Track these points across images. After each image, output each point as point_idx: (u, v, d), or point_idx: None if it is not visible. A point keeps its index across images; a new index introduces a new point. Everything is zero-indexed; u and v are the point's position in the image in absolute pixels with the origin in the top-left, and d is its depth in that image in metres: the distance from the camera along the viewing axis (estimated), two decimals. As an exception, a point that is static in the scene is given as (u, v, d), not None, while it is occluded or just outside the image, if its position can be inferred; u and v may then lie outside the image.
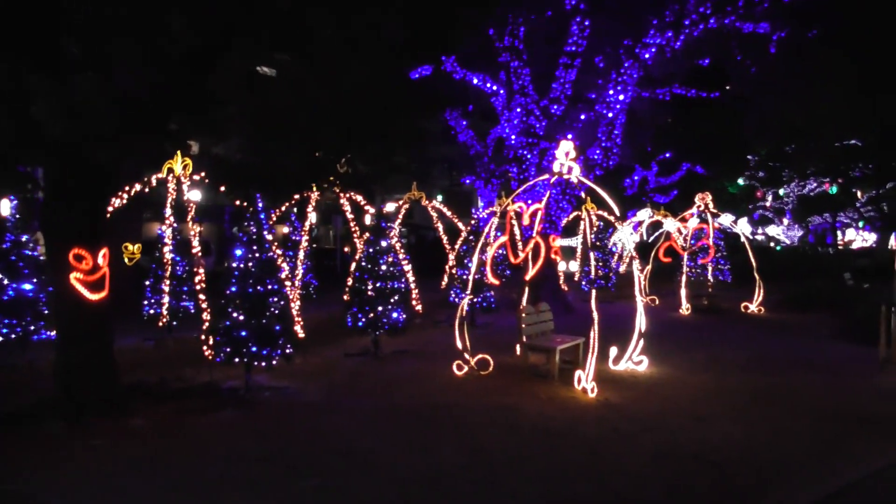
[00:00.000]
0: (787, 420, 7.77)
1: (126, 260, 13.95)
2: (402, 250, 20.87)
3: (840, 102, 25.74)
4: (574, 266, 25.57)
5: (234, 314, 8.23)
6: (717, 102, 30.21)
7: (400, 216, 17.92)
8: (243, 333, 8.21)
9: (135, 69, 5.51)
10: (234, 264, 8.38)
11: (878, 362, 10.70)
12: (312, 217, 14.64)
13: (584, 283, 20.88)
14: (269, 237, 9.91)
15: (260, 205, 8.49)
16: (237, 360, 8.24)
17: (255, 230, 8.41)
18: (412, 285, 14.10)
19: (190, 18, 5.41)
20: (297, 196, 13.79)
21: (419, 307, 13.99)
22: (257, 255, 8.39)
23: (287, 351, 8.58)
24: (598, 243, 20.75)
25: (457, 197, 45.26)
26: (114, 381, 7.80)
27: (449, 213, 17.04)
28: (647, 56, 14.88)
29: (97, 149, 5.87)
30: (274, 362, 8.43)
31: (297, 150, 16.71)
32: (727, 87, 23.41)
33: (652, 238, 27.64)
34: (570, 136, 16.58)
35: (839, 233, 49.88)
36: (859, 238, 55.01)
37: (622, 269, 24.86)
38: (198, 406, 7.93)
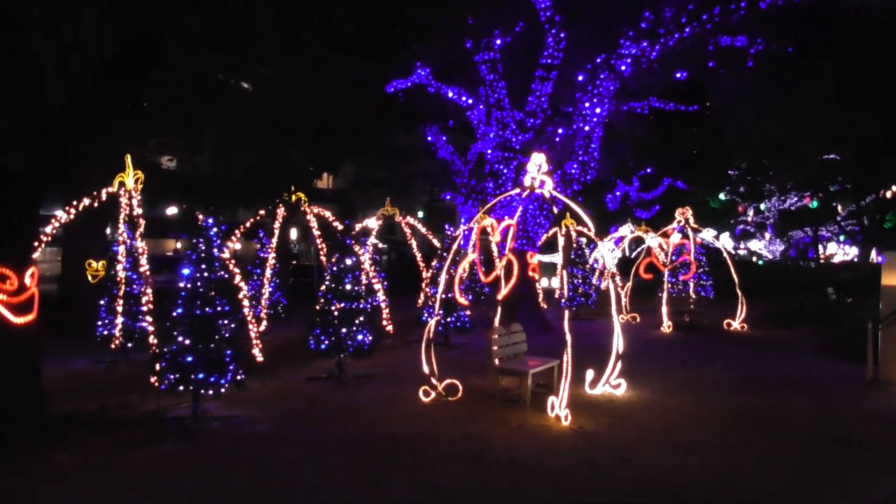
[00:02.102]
0: (772, 446, 7.28)
1: (90, 277, 13.27)
2: (375, 268, 20.33)
3: (818, 116, 25.63)
4: (556, 282, 25.10)
5: (180, 338, 7.63)
6: (696, 117, 30.12)
7: (374, 232, 17.40)
8: (189, 359, 7.60)
9: (49, 71, 4.96)
10: (181, 284, 7.80)
11: (865, 381, 10.28)
12: (293, 233, 14.05)
13: (563, 300, 20.38)
14: (226, 254, 9.35)
15: (210, 220, 7.92)
16: (181, 388, 7.62)
17: (203, 247, 7.83)
18: (383, 304, 13.53)
19: (108, 13, 4.87)
20: (262, 211, 13.21)
21: (390, 327, 13.41)
22: (206, 273, 7.80)
23: (238, 377, 7.98)
24: (577, 259, 20.28)
25: (438, 213, 44.91)
26: (42, 412, 7.14)
27: (424, 230, 16.53)
28: (622, 68, 14.54)
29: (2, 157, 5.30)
30: (222, 390, 7.82)
31: (239, 161, 15.99)
32: (707, 103, 23.22)
33: (634, 254, 27.32)
34: (544, 150, 16.25)
35: (821, 247, 49.94)
36: (840, 252, 55.23)
37: (603, 285, 24.45)
38: (136, 438, 7.28)
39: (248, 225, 12.71)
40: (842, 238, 46.67)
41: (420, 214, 46.17)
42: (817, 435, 7.69)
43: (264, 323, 14.41)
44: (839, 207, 41.58)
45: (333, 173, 23.89)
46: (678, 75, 16.65)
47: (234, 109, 13.95)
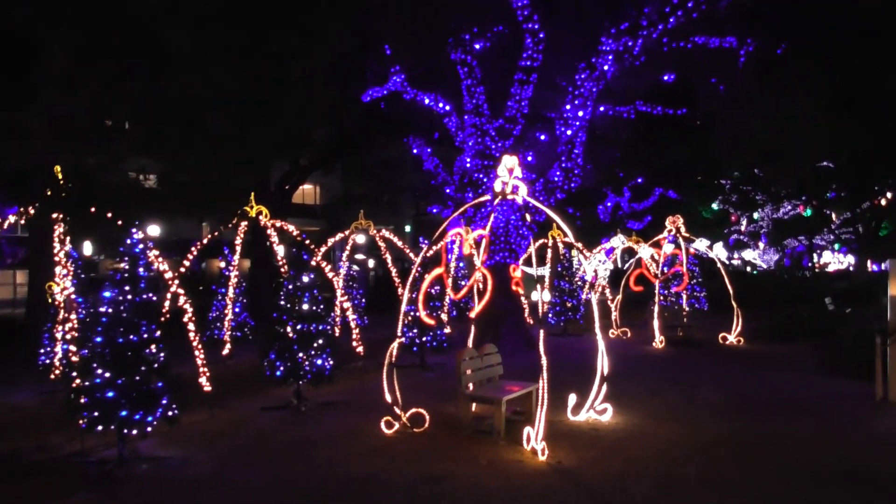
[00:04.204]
0: (775, 484, 6.37)
1: (49, 300, 12.31)
2: (354, 284, 19.41)
3: (811, 121, 24.95)
4: (546, 296, 24.23)
5: (99, 370, 6.68)
6: (687, 125, 29.40)
7: (347, 248, 16.52)
8: (110, 394, 6.65)
9: None
10: (102, 309, 6.85)
11: (874, 402, 9.41)
12: (280, 251, 12.97)
13: (550, 314, 19.50)
14: (169, 273, 8.46)
15: (136, 235, 7.01)
16: (100, 427, 6.66)
17: (127, 266, 6.91)
18: (353, 324, 12.59)
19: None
20: (222, 225, 12.30)
21: (360, 348, 12.45)
22: (129, 296, 6.87)
23: (171, 413, 7.03)
24: (563, 272, 19.40)
25: (426, 226, 44.01)
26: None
27: (400, 243, 15.62)
28: (605, 67, 13.74)
29: None
30: (148, 429, 6.86)
31: (143, 167, 14.34)
32: (696, 109, 22.51)
33: (627, 265, 26.53)
34: (529, 157, 15.43)
35: (815, 255, 49.25)
36: (835, 261, 54.55)
37: (594, 298, 23.56)
38: (44, 488, 6.32)
39: (205, 241, 11.78)
40: (836, 246, 45.96)
41: (407, 229, 45.33)
42: (825, 468, 6.77)
43: (227, 346, 13.51)
44: (833, 215, 40.87)
45: (255, 180, 20.96)
46: (665, 77, 15.90)
47: (124, 103, 12.40)
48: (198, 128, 14.91)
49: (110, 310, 6.79)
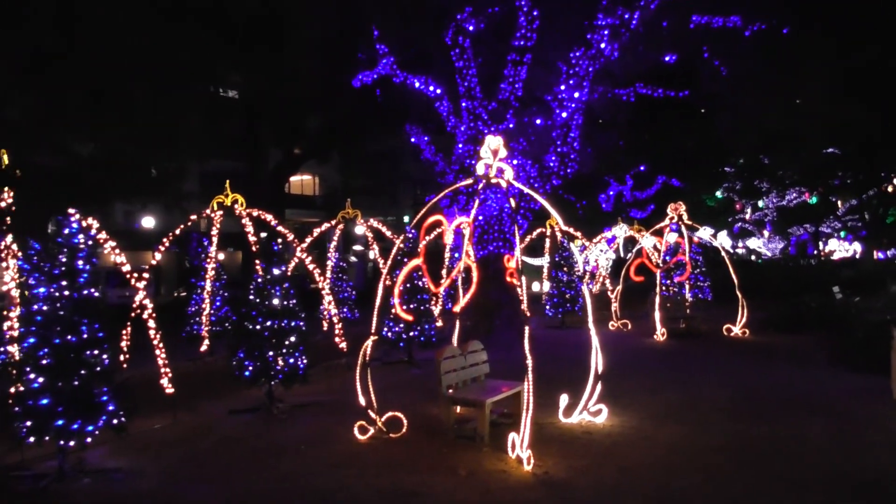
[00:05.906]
0: (787, 496, 5.69)
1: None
2: (342, 276, 18.75)
3: (817, 105, 24.13)
4: (546, 287, 23.56)
5: (32, 375, 6.01)
6: (690, 112, 28.57)
7: (335, 238, 15.83)
8: (44, 401, 5.98)
9: None
10: (35, 307, 6.17)
11: (891, 400, 8.71)
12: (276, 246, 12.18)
13: (548, 306, 18.82)
14: (127, 267, 7.79)
15: (74, 222, 6.31)
16: (32, 438, 6.00)
17: (64, 258, 6.22)
18: (336, 319, 11.90)
19: None
20: (193, 216, 11.61)
21: (343, 344, 11.76)
22: (67, 292, 6.18)
23: (116, 421, 6.35)
24: (561, 262, 18.70)
25: (426, 216, 43.26)
26: None
27: (389, 233, 14.93)
28: (603, 45, 12.96)
29: None
30: (89, 439, 6.19)
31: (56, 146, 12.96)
32: (699, 94, 21.73)
33: (629, 255, 25.82)
34: (523, 142, 14.69)
35: (820, 243, 48.38)
36: (841, 248, 53.66)
37: (595, 289, 22.90)
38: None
39: (177, 232, 11.08)
40: (842, 234, 45.12)
41: (406, 219, 44.66)
42: (840, 477, 6.08)
43: (206, 342, 12.87)
44: (839, 202, 40.05)
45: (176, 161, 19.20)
46: (667, 58, 15.11)
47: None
48: (109, 99, 13.47)
49: (45, 307, 6.11)
